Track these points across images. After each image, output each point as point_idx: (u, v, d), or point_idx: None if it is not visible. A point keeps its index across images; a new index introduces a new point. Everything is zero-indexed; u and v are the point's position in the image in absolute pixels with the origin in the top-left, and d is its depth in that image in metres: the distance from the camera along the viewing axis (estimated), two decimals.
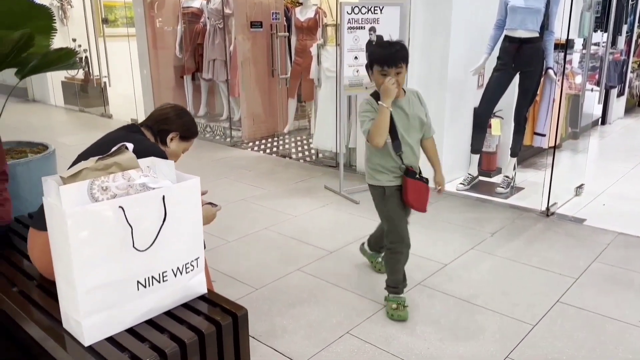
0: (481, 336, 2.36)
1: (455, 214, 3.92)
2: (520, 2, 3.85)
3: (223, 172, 5.04)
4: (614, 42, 6.64)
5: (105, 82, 8.40)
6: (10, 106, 9.32)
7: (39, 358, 1.99)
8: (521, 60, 3.95)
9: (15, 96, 10.12)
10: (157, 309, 1.64)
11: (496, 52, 4.09)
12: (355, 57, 4.06)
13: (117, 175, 1.50)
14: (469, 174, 4.47)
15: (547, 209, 3.80)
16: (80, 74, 8.81)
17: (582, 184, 4.33)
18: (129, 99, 7.73)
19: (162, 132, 2.10)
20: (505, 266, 3.06)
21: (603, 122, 7.16)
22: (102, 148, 1.75)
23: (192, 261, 1.70)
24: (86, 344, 1.50)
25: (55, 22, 2.64)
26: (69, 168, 1.59)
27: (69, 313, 1.54)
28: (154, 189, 1.55)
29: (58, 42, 9.18)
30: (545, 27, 3.90)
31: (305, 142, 6.27)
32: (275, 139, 6.48)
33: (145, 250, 1.54)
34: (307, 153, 5.74)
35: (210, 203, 2.21)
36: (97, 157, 1.52)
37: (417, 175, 2.45)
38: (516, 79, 4.10)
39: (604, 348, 2.27)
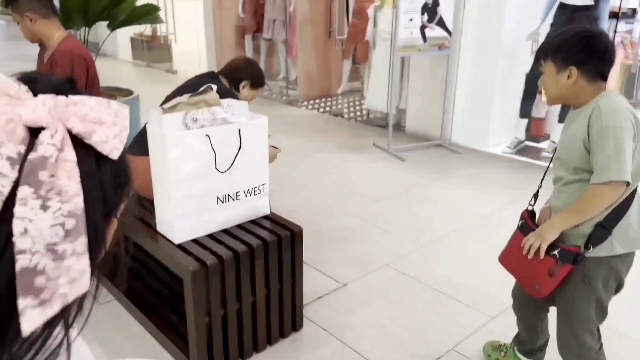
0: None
1: (499, 175, 4.11)
2: None
3: (279, 127, 5.39)
4: None
5: (171, 40, 8.88)
6: None
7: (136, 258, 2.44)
8: None
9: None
10: (232, 221, 2.02)
11: (550, 19, 4.17)
12: (411, 19, 4.24)
13: (204, 110, 1.85)
14: (516, 138, 4.61)
15: None
16: (148, 30, 9.33)
17: None
18: (193, 56, 8.17)
19: (235, 79, 2.44)
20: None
21: None
22: (188, 90, 2.12)
23: (259, 186, 2.06)
24: (176, 242, 1.89)
25: None
26: (161, 105, 1.96)
27: (163, 218, 1.94)
28: (232, 123, 1.90)
29: None
30: None
31: (357, 103, 6.51)
32: (329, 99, 6.76)
33: (225, 172, 1.90)
34: (358, 113, 6.00)
35: (272, 146, 2.54)
36: (189, 94, 1.87)
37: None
38: None
39: None
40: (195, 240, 1.92)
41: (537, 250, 1.61)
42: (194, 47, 8.12)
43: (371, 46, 5.56)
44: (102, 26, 3.64)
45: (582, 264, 1.58)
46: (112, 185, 0.49)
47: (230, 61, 2.54)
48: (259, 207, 2.09)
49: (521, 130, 4.62)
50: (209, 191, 1.90)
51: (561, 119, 4.44)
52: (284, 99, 6.72)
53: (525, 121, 4.62)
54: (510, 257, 1.78)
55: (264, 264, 1.95)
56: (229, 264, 1.83)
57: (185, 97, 1.86)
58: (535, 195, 1.91)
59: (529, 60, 4.42)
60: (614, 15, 4.21)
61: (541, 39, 4.35)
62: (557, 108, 4.57)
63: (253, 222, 2.07)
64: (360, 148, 4.72)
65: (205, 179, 1.87)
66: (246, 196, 2.02)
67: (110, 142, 0.46)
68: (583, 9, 3.97)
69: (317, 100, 6.64)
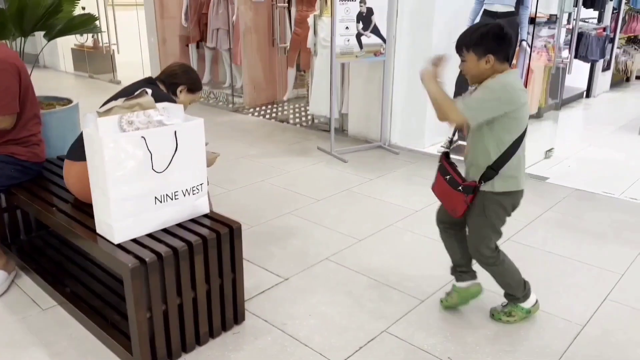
0: (435, 264, 2.82)
1: (433, 172, 4.33)
2: None
3: (224, 133, 5.47)
4: (600, 19, 6.94)
5: (113, 50, 8.76)
6: None
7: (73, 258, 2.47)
8: None
9: (27, 62, 10.45)
10: (171, 220, 2.10)
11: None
12: (347, 27, 4.43)
13: (139, 113, 1.93)
14: (448, 137, 4.88)
15: None
16: (89, 41, 9.17)
17: (551, 148, 4.74)
18: (137, 66, 8.10)
19: (173, 85, 2.52)
20: None
21: (588, 95, 7.51)
22: (126, 95, 2.18)
23: (197, 186, 2.15)
24: (116, 242, 1.96)
25: None
26: (99, 109, 2.02)
27: (102, 219, 2.00)
28: (168, 125, 1.99)
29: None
30: (520, 2, 4.26)
31: (303, 109, 6.66)
32: (275, 105, 6.88)
33: (162, 172, 1.99)
34: (303, 119, 6.15)
35: (212, 152, 2.63)
36: (124, 98, 1.95)
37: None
38: None
39: (545, 277, 2.73)
40: (134, 240, 1.98)
41: (452, 184, 2.17)
42: (137, 58, 8.06)
43: (312, 54, 5.73)
44: (42, 37, 3.62)
45: (480, 197, 2.14)
46: None
47: (167, 67, 2.61)
48: (198, 206, 2.18)
49: (453, 131, 4.89)
50: (146, 191, 1.98)
51: None
52: (230, 106, 6.79)
53: None
54: (436, 189, 2.33)
55: (204, 260, 2.04)
56: (168, 261, 1.91)
57: (120, 101, 1.93)
58: (450, 142, 2.75)
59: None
60: (532, 21, 4.55)
61: None
62: None
63: (193, 220, 2.16)
64: (305, 152, 4.86)
65: (143, 180, 1.95)
66: (185, 196, 2.11)
67: None
68: (505, 15, 4.28)
69: (264, 107, 6.75)
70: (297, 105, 6.83)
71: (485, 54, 2.01)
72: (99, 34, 8.89)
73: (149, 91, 2.04)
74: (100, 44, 8.95)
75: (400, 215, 3.46)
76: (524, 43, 4.53)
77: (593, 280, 2.69)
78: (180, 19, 7.55)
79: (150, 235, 2.03)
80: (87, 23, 3.18)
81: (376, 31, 4.60)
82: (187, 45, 7.68)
